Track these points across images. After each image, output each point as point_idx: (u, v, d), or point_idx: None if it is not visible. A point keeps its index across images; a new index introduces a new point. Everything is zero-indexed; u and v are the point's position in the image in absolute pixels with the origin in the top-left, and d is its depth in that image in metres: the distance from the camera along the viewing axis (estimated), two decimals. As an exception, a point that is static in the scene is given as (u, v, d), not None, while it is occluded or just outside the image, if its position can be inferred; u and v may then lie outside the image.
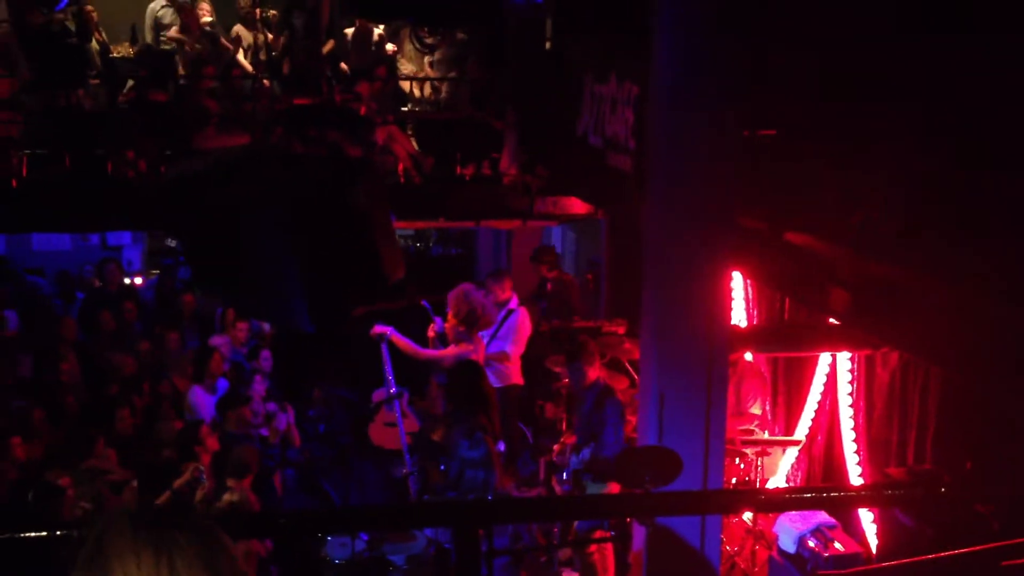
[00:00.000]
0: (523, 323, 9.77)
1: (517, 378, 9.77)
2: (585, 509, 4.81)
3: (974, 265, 4.67)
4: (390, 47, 12.33)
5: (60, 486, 6.88)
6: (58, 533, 3.01)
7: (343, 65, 11.95)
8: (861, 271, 5.51)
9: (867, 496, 4.18)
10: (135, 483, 7.28)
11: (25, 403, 8.80)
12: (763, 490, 7.01)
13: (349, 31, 12.43)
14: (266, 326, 10.67)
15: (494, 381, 9.54)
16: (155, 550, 1.49)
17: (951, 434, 6.16)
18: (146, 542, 1.49)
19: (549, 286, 11.01)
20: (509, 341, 9.64)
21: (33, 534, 3.01)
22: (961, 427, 6.04)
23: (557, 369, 9.60)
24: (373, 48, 12.34)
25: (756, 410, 8.23)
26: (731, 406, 8.05)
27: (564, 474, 7.85)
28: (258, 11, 12.32)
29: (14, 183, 9.72)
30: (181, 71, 11.56)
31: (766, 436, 8.19)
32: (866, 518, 7.01)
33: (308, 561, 7.10)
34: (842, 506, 6.13)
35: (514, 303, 9.81)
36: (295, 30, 11.80)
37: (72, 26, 11.49)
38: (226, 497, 7.11)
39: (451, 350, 8.99)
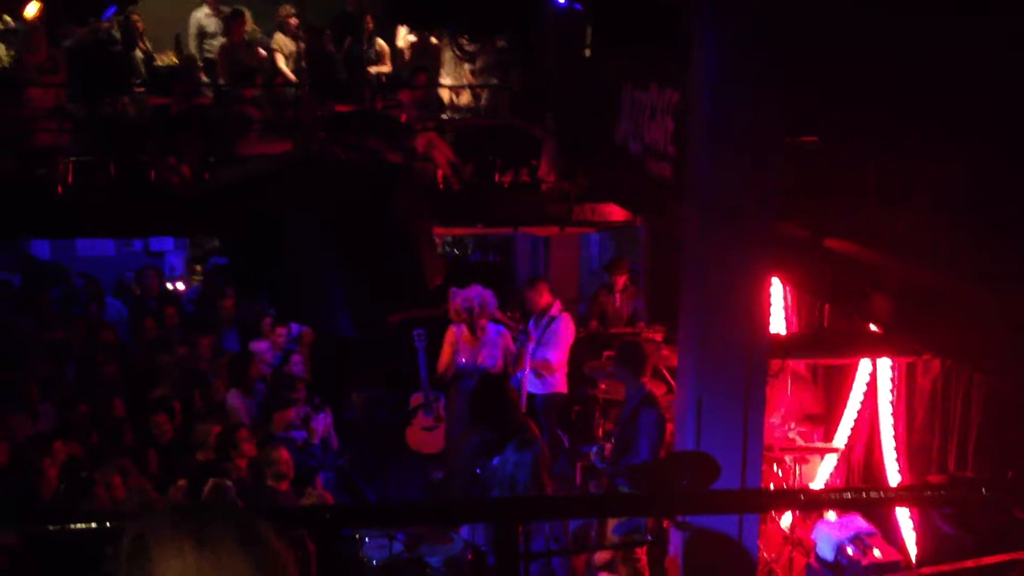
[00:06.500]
0: (565, 330, 9.76)
1: (561, 387, 9.76)
2: (623, 507, 4.82)
3: (1018, 271, 4.64)
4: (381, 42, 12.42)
5: (90, 478, 7.01)
6: (93, 526, 3.03)
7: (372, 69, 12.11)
8: (903, 277, 5.48)
9: (906, 496, 4.16)
10: (182, 482, 7.37)
11: (67, 406, 8.95)
12: (803, 490, 6.97)
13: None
14: (297, 328, 10.76)
15: (538, 388, 9.57)
16: (197, 541, 1.50)
17: (993, 442, 6.10)
18: (187, 534, 1.51)
19: (618, 300, 10.86)
20: (551, 348, 9.62)
21: (79, 526, 3.04)
22: (1003, 435, 5.98)
23: (596, 376, 9.61)
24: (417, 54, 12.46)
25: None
26: (793, 414, 8.03)
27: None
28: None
29: (60, 190, 9.89)
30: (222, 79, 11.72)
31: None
32: (905, 526, 6.95)
33: (347, 562, 7.15)
34: (881, 507, 6.09)
35: (556, 310, 9.80)
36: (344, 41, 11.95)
37: (118, 35, 11.69)
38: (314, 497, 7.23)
39: (499, 364, 9.19)
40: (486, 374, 8.74)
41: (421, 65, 12.15)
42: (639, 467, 7.18)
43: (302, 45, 12.40)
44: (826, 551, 7.00)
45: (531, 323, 9.79)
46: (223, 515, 1.58)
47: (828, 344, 7.23)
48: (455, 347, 9.43)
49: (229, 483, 7.29)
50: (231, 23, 11.67)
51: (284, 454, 7.65)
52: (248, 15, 12.28)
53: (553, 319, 9.68)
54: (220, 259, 13.90)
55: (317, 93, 11.29)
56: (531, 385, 9.42)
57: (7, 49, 11.61)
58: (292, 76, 12.21)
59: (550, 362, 9.52)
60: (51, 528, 3.14)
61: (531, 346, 9.40)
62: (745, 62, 6.16)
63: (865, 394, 7.60)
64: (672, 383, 8.43)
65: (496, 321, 9.63)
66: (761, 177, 6.19)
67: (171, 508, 1.59)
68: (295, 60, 12.37)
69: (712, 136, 6.32)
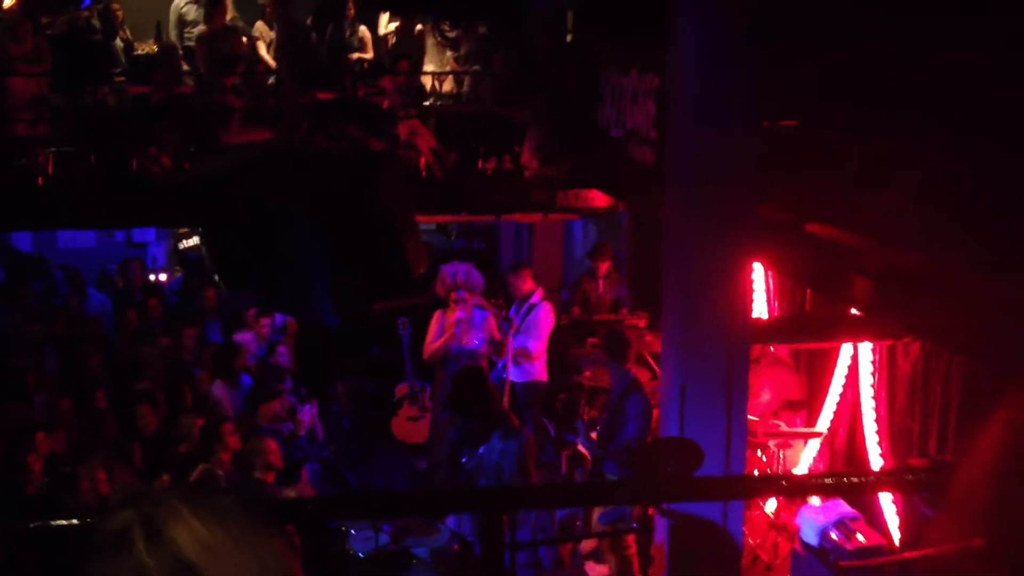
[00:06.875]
0: (545, 317, 9.75)
1: (541, 375, 9.75)
2: (608, 495, 4.83)
3: (998, 254, 4.65)
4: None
5: (73, 473, 7.00)
6: (80, 520, 3.01)
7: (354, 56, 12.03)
8: (884, 260, 5.49)
9: (887, 481, 4.18)
10: (165, 477, 7.36)
11: (52, 398, 8.91)
12: (785, 475, 7.00)
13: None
14: (281, 318, 10.72)
15: (518, 376, 9.57)
16: (209, 516, 1.46)
17: (973, 425, 6.12)
18: (197, 509, 1.46)
19: (601, 287, 10.86)
20: (531, 336, 9.61)
21: (64, 522, 3.02)
22: (983, 418, 6.00)
23: (581, 363, 9.60)
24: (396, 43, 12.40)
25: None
26: (775, 402, 8.04)
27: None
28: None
29: (40, 181, 9.82)
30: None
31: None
32: (889, 510, 6.98)
33: (333, 554, 7.15)
34: (863, 492, 6.11)
35: (536, 297, 9.79)
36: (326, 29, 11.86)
37: (97, 24, 11.59)
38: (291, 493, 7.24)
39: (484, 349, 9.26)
40: (466, 366, 8.75)
41: (404, 52, 12.08)
42: (627, 449, 7.20)
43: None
44: (810, 536, 7.02)
45: (512, 310, 9.80)
46: (227, 495, 1.55)
47: (810, 328, 7.25)
48: (441, 330, 9.42)
49: (220, 472, 7.28)
50: (211, 11, 11.58)
51: (273, 445, 7.64)
52: (229, 2, 12.19)
53: (533, 306, 9.67)
54: (193, 256, 13.82)
55: (297, 79, 11.22)
56: (511, 373, 9.42)
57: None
58: (273, 64, 12.12)
59: (529, 350, 9.51)
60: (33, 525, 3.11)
61: (511, 333, 9.40)
62: (726, 46, 6.14)
63: (847, 378, 7.62)
64: (656, 369, 8.44)
65: (480, 307, 9.63)
66: (742, 161, 6.19)
67: (169, 490, 1.55)
68: (276, 48, 12.28)
69: (694, 119, 6.31)
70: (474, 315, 9.45)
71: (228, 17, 11.98)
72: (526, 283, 9.81)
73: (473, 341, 9.39)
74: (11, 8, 11.00)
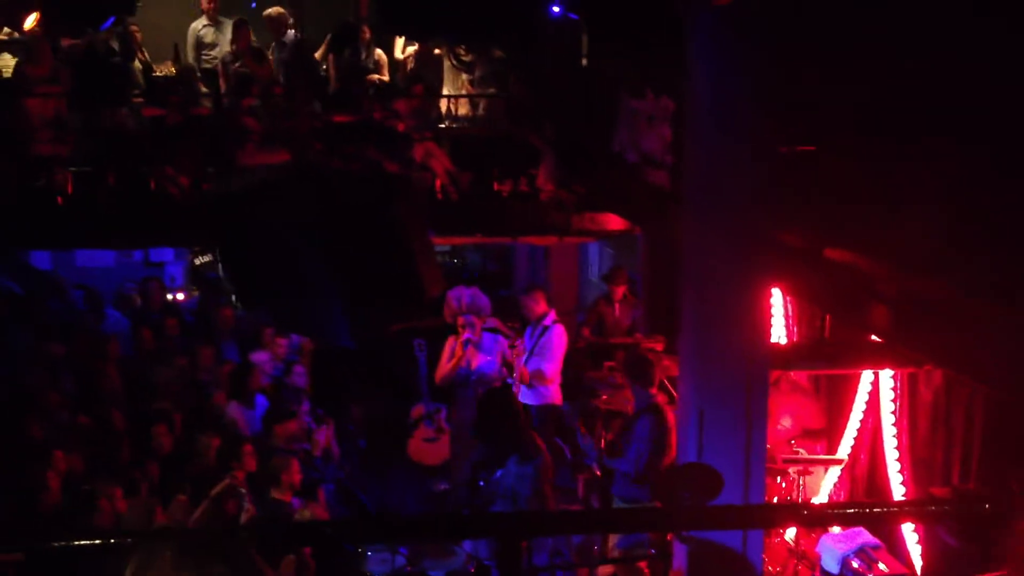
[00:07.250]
0: (558, 340, 9.73)
1: (556, 398, 9.72)
2: (626, 522, 4.81)
3: (1018, 281, 4.63)
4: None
5: (93, 491, 7.02)
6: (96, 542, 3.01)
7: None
8: (903, 287, 5.47)
9: (909, 511, 4.15)
10: (183, 497, 7.36)
11: (69, 417, 8.93)
12: (807, 504, 6.95)
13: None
14: (297, 338, 10.73)
15: (533, 399, 9.55)
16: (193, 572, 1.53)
17: (997, 454, 6.08)
18: (186, 566, 1.54)
19: (618, 310, 10.82)
20: (545, 358, 9.59)
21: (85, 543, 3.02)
22: (1007, 446, 5.96)
23: (597, 387, 9.58)
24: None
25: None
26: (795, 429, 8.01)
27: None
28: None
29: (60, 200, 9.90)
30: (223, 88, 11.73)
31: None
32: (911, 539, 6.91)
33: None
34: (885, 522, 6.08)
35: (550, 319, 9.77)
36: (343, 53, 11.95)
37: (116, 46, 11.70)
38: (307, 513, 7.25)
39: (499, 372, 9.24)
40: (490, 389, 8.74)
41: (419, 75, 12.14)
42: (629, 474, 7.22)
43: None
44: (831, 564, 6.95)
45: (527, 332, 9.79)
46: (224, 553, 1.60)
47: (828, 354, 7.22)
48: (452, 356, 9.45)
49: (243, 490, 7.30)
50: (236, 32, 11.74)
51: (295, 465, 7.66)
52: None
53: (546, 329, 9.64)
54: (211, 275, 13.88)
55: (302, 96, 11.30)
56: (525, 396, 9.40)
57: (13, 57, 11.64)
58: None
59: (544, 373, 9.49)
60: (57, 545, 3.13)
61: (524, 357, 9.39)
62: (741, 71, 6.15)
63: (868, 405, 7.57)
64: (674, 393, 8.42)
65: (493, 331, 9.63)
66: (759, 187, 6.19)
67: (173, 536, 1.61)
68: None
69: (709, 145, 6.32)
70: (483, 338, 9.47)
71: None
72: (539, 305, 9.79)
73: (482, 364, 9.40)
74: (31, 31, 11.11)
